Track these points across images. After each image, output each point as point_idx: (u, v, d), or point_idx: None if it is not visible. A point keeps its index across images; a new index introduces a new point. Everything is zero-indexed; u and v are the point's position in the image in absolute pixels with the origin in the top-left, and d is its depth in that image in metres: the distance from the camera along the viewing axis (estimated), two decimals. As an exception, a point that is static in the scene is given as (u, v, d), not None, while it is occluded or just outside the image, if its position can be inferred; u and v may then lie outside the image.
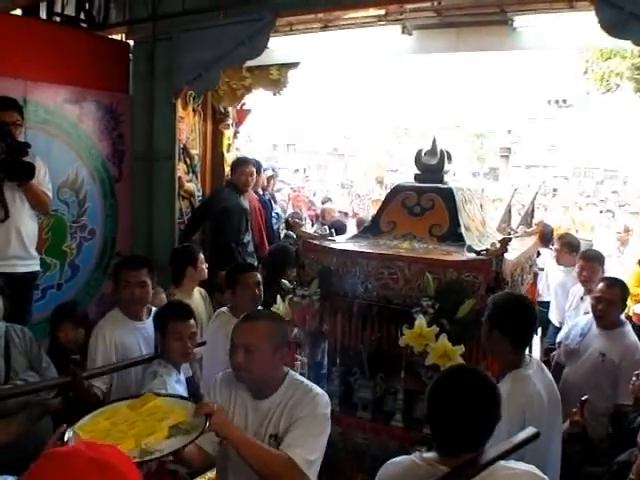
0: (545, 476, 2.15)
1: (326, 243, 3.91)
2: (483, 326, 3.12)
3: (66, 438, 2.27)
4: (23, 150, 4.36)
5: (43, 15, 5.91)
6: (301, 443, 2.56)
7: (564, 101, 18.94)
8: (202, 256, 5.19)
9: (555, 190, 16.21)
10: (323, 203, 11.72)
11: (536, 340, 6.03)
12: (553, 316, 6.61)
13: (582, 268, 5.74)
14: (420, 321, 3.28)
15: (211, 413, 2.40)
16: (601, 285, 4.55)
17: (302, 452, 2.53)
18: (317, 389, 2.80)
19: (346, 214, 10.89)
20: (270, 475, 2.48)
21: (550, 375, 3.23)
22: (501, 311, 3.06)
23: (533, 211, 5.23)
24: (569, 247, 6.65)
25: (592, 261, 5.74)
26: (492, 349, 3.14)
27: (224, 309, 4.48)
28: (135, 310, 4.11)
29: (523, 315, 3.13)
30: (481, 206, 4.54)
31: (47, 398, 3.38)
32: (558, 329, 6.14)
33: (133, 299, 4.08)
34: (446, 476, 2.06)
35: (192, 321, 3.74)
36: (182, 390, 3.60)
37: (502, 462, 2.14)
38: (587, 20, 4.37)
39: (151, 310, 4.16)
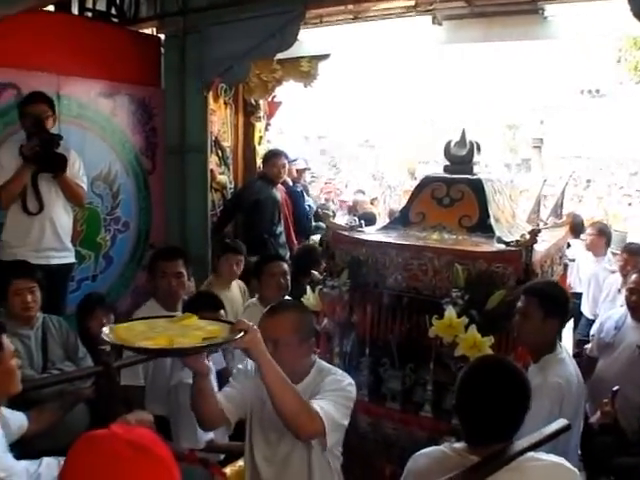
0: (574, 469, 2.16)
1: (356, 234, 3.93)
2: (525, 317, 3.13)
3: (104, 331, 2.34)
4: (55, 142, 4.43)
5: (75, 11, 5.97)
6: (326, 403, 2.55)
7: (597, 91, 18.71)
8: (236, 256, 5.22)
9: (588, 181, 16.03)
10: (355, 195, 11.72)
11: (568, 332, 6.00)
12: (585, 308, 6.56)
13: (626, 262, 5.69)
14: (450, 312, 3.29)
15: (247, 329, 2.37)
16: (635, 276, 4.51)
17: (327, 408, 2.52)
18: (341, 372, 2.84)
19: (372, 202, 10.89)
20: (289, 413, 2.43)
21: (575, 363, 3.24)
22: (553, 298, 3.12)
23: (563, 202, 5.20)
24: (601, 234, 6.59)
25: (636, 255, 5.68)
26: (540, 337, 3.14)
27: (254, 300, 4.53)
28: (171, 301, 4.16)
29: (568, 299, 3.23)
30: (511, 197, 4.53)
31: (81, 387, 3.44)
32: (590, 321, 6.09)
33: (170, 290, 4.14)
34: (475, 466, 2.07)
35: (222, 312, 3.79)
36: (212, 379, 3.64)
37: (532, 453, 2.14)
38: (620, 8, 4.31)
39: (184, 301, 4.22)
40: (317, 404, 2.51)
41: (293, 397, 2.44)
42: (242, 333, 2.35)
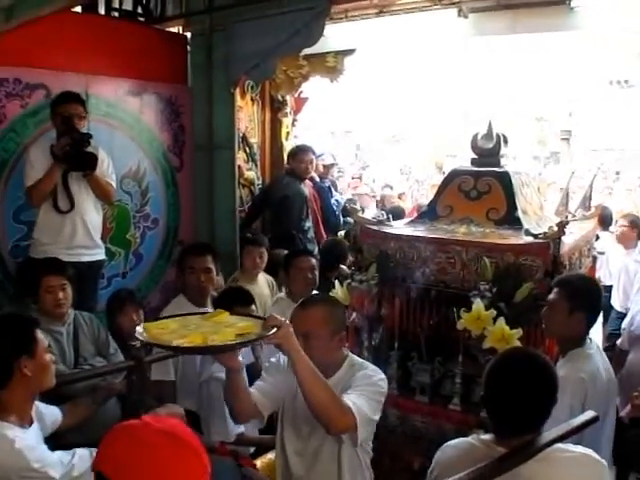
0: (602, 460, 2.16)
1: (383, 228, 3.94)
2: (554, 310, 3.11)
3: (137, 330, 2.39)
4: (85, 141, 4.48)
5: (102, 11, 6.04)
6: (358, 398, 2.56)
7: (626, 81, 18.47)
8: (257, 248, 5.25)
9: (618, 173, 15.85)
10: (382, 190, 11.70)
11: (598, 325, 5.95)
12: (615, 301, 6.50)
13: None
14: (477, 305, 3.29)
15: (279, 325, 2.39)
16: (665, 268, 4.48)
17: (359, 403, 2.53)
18: (373, 366, 2.85)
19: (399, 197, 10.87)
20: (321, 408, 2.44)
21: (607, 358, 3.21)
22: (581, 291, 3.08)
23: (591, 194, 5.16)
24: (632, 226, 6.52)
25: None
26: (565, 330, 3.11)
27: (282, 295, 4.56)
28: (200, 296, 4.20)
29: (599, 294, 3.20)
30: (539, 190, 4.52)
31: (113, 382, 3.49)
32: (620, 314, 6.04)
33: (198, 285, 4.18)
34: (503, 457, 2.08)
35: (253, 306, 3.82)
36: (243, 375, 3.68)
37: (559, 444, 2.15)
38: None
39: (214, 296, 4.26)
40: (349, 398, 2.52)
41: (325, 391, 2.46)
42: (275, 329, 2.37)
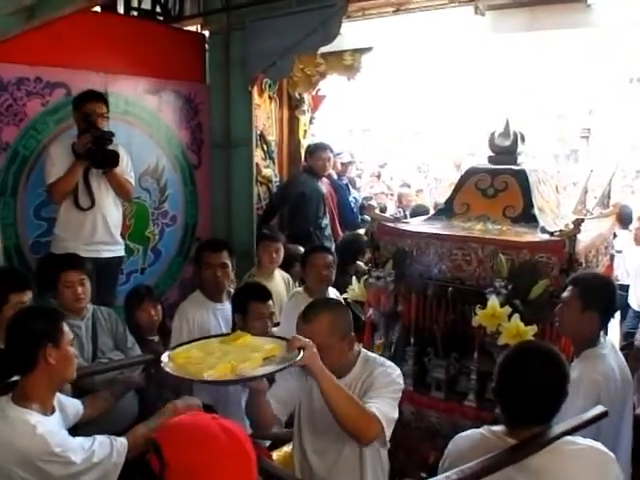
0: (611, 453, 2.17)
1: (400, 225, 3.96)
2: (567, 307, 3.09)
3: (163, 360, 2.48)
4: (107, 138, 4.53)
5: (121, 10, 6.10)
6: (381, 401, 2.59)
7: (645, 79, 18.34)
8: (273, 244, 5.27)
9: (638, 172, 15.72)
10: (400, 188, 11.68)
11: (615, 324, 5.93)
12: (633, 300, 6.48)
13: None
14: (493, 302, 3.30)
15: (304, 347, 2.45)
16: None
17: (383, 408, 2.55)
18: (389, 362, 2.85)
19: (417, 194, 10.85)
20: (350, 422, 2.49)
21: (622, 357, 3.20)
22: (594, 290, 3.04)
23: (610, 193, 5.13)
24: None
25: None
26: (578, 329, 3.10)
27: (299, 289, 4.58)
28: (216, 291, 4.24)
29: (613, 294, 3.13)
30: (556, 188, 4.51)
31: (131, 376, 3.54)
32: (637, 313, 6.03)
33: (215, 280, 4.22)
34: (513, 448, 2.11)
35: (270, 302, 3.85)
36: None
37: (569, 437, 2.17)
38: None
39: (230, 292, 4.29)
40: (374, 405, 2.55)
41: (351, 405, 2.50)
42: (301, 352, 2.44)
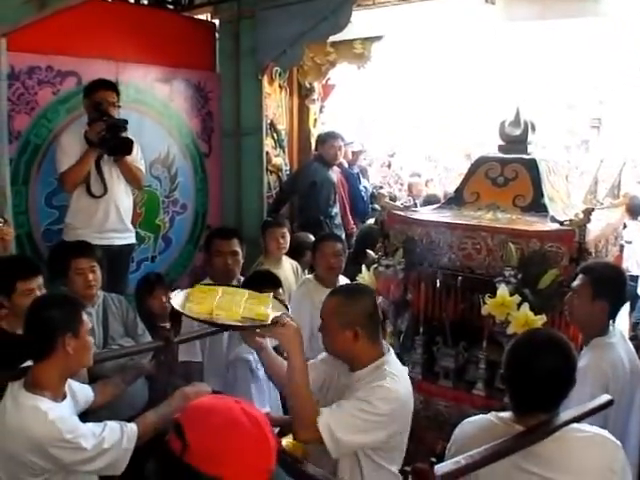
0: (617, 441, 2.18)
1: (410, 214, 3.97)
2: (577, 296, 3.09)
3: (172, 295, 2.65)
4: (122, 126, 4.55)
5: (131, -1, 6.12)
6: (339, 413, 2.48)
7: (657, 68, 18.16)
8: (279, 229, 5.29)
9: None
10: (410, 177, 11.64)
11: (624, 315, 5.91)
12: (642, 290, 6.46)
13: None
14: (502, 291, 3.31)
15: (283, 323, 2.54)
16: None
17: (331, 420, 2.44)
18: (388, 383, 2.57)
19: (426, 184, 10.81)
20: (292, 409, 2.58)
21: (632, 346, 3.20)
22: (605, 279, 3.03)
23: (620, 183, 5.12)
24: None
25: None
26: (586, 318, 3.09)
27: (310, 277, 4.58)
28: (226, 279, 4.25)
29: (624, 283, 3.13)
30: (567, 178, 4.50)
31: (142, 362, 3.56)
32: (647, 304, 6.01)
33: (226, 268, 4.23)
34: (521, 434, 2.12)
35: (281, 289, 3.87)
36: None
37: (575, 425, 2.19)
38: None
39: (240, 280, 4.30)
40: (327, 412, 2.48)
41: (300, 395, 2.53)
42: (269, 323, 2.56)
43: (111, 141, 4.50)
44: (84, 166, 4.52)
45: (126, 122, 4.61)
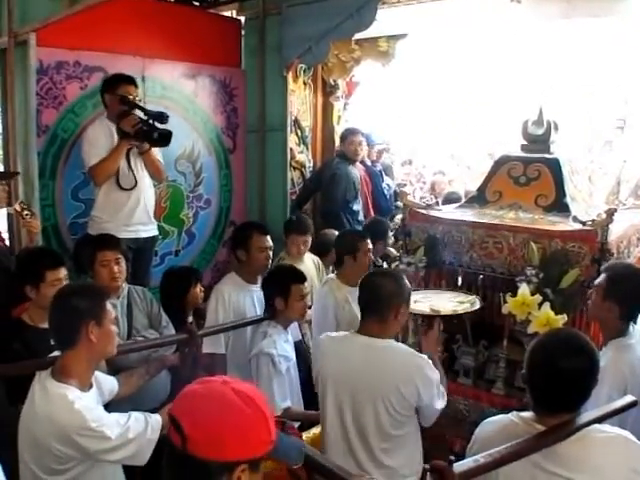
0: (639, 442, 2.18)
1: (432, 212, 3.99)
2: (593, 294, 3.09)
3: None
4: (164, 117, 4.55)
5: (158, -4, 6.16)
6: None
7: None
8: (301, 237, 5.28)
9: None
10: (434, 176, 11.60)
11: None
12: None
13: None
14: (523, 290, 3.32)
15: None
16: None
17: None
18: None
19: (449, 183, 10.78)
20: None
21: None
22: (618, 282, 3.00)
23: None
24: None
25: None
26: (599, 316, 3.10)
27: (332, 276, 4.58)
28: (256, 274, 4.30)
29: (634, 286, 3.04)
30: (590, 178, 4.50)
31: (165, 354, 3.61)
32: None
33: (265, 264, 4.30)
34: (541, 434, 2.12)
35: (306, 284, 3.92)
36: (290, 350, 3.78)
37: (597, 425, 2.18)
38: None
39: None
40: None
41: None
42: None
43: (153, 132, 4.54)
44: (117, 158, 4.55)
45: (167, 115, 4.62)
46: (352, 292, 4.24)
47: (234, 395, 1.56)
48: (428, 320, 3.40)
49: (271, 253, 4.35)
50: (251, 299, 4.25)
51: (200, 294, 4.46)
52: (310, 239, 5.31)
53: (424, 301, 3.57)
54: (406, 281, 3.03)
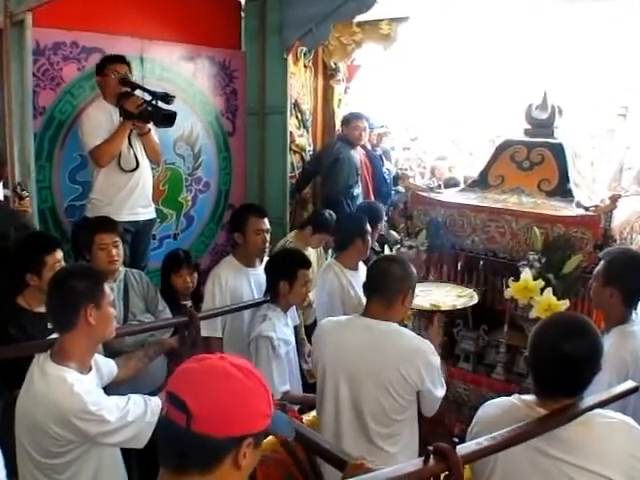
0: None
1: (434, 196, 3.96)
2: (594, 280, 3.05)
3: None
4: (170, 97, 4.52)
5: (157, -24, 6.09)
6: None
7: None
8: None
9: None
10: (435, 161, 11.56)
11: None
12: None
13: None
14: (526, 275, 3.30)
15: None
16: None
17: None
18: None
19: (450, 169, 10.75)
20: None
21: None
22: (617, 266, 2.97)
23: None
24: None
25: None
26: (602, 303, 3.07)
27: (333, 261, 4.53)
28: (255, 257, 4.27)
29: (635, 272, 2.99)
30: (592, 164, 4.48)
31: (162, 338, 3.59)
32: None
33: (263, 247, 4.26)
34: (544, 418, 2.10)
35: (310, 270, 3.90)
36: (290, 333, 3.76)
37: (599, 410, 2.16)
38: None
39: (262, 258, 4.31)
40: None
41: None
42: None
43: (159, 112, 4.49)
44: (121, 139, 4.50)
45: (173, 96, 4.59)
46: (354, 275, 4.24)
47: (234, 369, 1.54)
48: (428, 315, 3.37)
49: (268, 236, 4.29)
50: (248, 282, 4.21)
51: (189, 279, 4.39)
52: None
53: (422, 295, 3.54)
54: (413, 268, 3.00)
